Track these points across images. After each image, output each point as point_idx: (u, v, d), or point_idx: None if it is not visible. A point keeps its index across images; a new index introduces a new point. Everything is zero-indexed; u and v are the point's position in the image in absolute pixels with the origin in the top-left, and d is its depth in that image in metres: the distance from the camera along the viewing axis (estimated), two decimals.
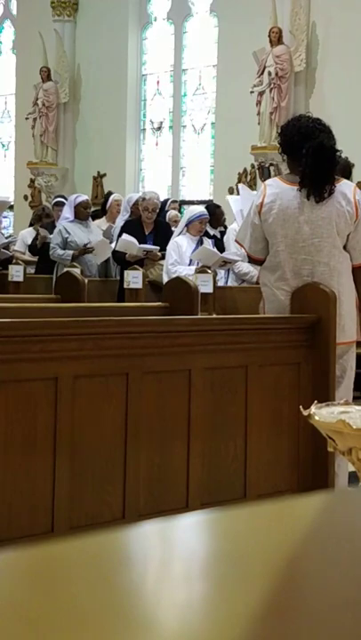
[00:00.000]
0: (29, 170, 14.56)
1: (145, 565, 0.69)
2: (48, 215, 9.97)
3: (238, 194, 8.39)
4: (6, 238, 9.85)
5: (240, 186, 8.10)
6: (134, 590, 0.63)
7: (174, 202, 10.75)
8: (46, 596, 0.61)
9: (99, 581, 0.63)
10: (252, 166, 12.13)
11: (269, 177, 9.08)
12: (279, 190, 4.36)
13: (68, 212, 8.34)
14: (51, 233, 8.90)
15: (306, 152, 4.20)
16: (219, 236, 8.58)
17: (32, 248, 9.35)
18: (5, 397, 3.31)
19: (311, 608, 0.60)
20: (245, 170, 12.30)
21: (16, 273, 8.28)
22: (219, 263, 7.32)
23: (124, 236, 7.59)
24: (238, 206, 7.12)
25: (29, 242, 9.69)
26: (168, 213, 9.57)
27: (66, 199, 9.41)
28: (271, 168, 11.25)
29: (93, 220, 8.93)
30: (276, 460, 4.12)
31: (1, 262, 8.93)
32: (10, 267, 8.43)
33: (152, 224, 7.81)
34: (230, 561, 0.69)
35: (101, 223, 9.18)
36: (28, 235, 9.95)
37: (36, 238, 9.26)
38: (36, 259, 9.25)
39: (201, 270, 6.92)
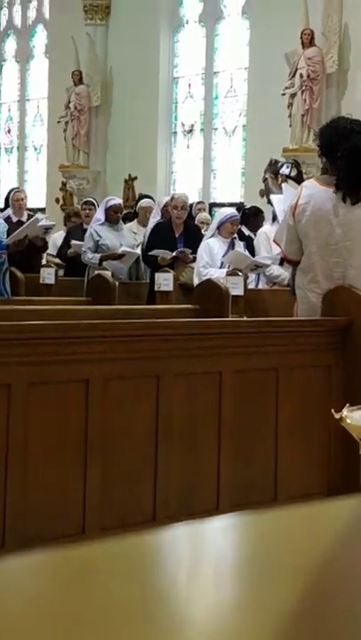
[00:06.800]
0: (61, 173, 14.62)
1: (177, 568, 0.69)
2: (77, 214, 9.94)
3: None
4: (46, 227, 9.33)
5: (284, 185, 7.98)
6: (166, 592, 0.64)
7: (200, 203, 10.71)
8: (78, 598, 0.61)
9: (130, 583, 0.63)
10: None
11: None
12: (313, 192, 4.36)
13: (100, 214, 8.36)
14: (76, 233, 8.91)
15: (341, 154, 4.21)
16: (253, 236, 8.52)
17: (62, 256, 9.20)
18: (37, 399, 3.32)
19: (343, 610, 0.60)
20: None
21: (48, 275, 8.29)
22: (250, 267, 7.30)
23: (155, 251, 7.63)
24: (282, 206, 7.03)
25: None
26: (198, 215, 9.54)
27: (96, 201, 9.40)
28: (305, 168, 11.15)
29: (124, 222, 8.93)
30: (307, 463, 4.10)
31: (32, 250, 8.63)
32: (42, 269, 8.43)
33: (182, 225, 7.81)
34: (262, 564, 0.69)
35: (132, 226, 9.18)
36: (59, 238, 9.88)
37: (66, 243, 9.16)
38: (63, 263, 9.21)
39: (232, 273, 6.90)
